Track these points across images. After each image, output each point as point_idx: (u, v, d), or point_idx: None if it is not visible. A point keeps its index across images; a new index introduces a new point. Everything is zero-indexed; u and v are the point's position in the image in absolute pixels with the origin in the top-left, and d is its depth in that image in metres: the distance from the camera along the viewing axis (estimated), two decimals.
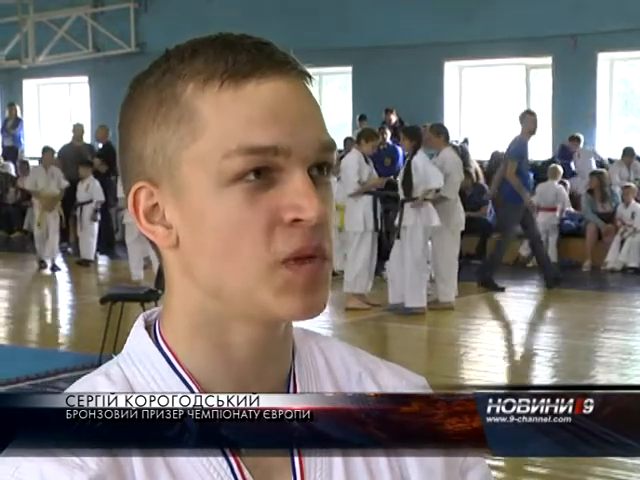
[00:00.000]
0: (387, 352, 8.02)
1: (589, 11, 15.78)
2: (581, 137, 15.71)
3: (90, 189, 14.54)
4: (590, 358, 8.81)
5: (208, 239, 1.02)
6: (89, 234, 14.55)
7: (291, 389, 1.12)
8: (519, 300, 11.17)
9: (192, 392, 1.06)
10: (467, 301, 11.67)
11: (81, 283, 13.35)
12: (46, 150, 14.83)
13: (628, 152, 15.24)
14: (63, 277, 14.05)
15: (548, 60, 16.79)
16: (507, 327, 10.24)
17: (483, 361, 8.76)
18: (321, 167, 1.05)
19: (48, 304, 11.90)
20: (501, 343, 9.58)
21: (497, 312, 10.83)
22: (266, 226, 1.01)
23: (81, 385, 1.08)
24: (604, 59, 16.47)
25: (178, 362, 1.08)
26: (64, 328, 10.79)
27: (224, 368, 1.07)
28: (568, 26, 15.94)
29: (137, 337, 1.12)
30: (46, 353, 9.05)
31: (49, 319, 11.16)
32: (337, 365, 1.18)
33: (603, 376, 8.17)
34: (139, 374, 1.08)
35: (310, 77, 1.07)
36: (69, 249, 15.76)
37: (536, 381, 8.14)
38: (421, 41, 17.12)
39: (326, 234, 1.03)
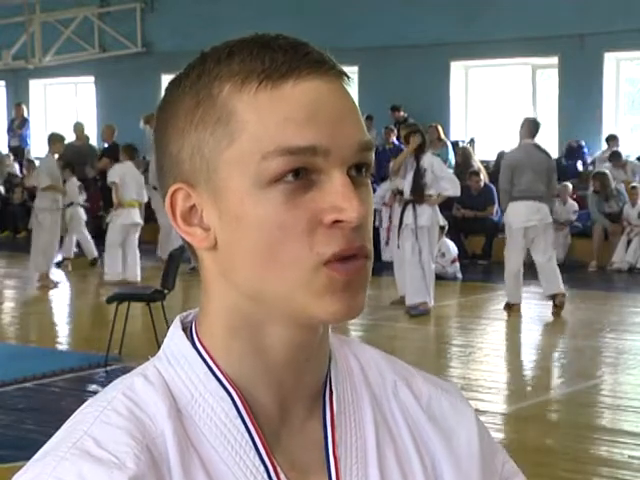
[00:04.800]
0: (393, 352, 7.98)
1: (596, 11, 15.76)
2: (617, 136, 15.68)
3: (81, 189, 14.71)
4: (596, 358, 8.80)
5: (248, 241, 1.02)
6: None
7: (327, 394, 1.12)
8: (525, 300, 11.14)
9: (229, 395, 1.07)
10: (473, 301, 11.67)
11: (87, 283, 13.36)
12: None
13: (616, 156, 15.24)
14: (69, 277, 14.06)
15: (554, 60, 16.77)
16: (513, 327, 10.23)
17: (489, 361, 8.75)
18: (360, 168, 1.04)
19: (54, 304, 11.91)
20: (507, 343, 9.58)
21: (502, 312, 10.82)
22: (307, 228, 1.01)
23: (118, 386, 1.09)
24: (610, 59, 16.45)
25: (216, 364, 1.08)
26: (70, 328, 10.80)
27: (262, 371, 1.07)
28: (575, 26, 15.92)
29: (174, 339, 1.11)
30: (52, 353, 9.06)
31: (55, 319, 11.18)
32: (372, 371, 1.19)
33: (610, 376, 8.16)
34: (176, 376, 1.08)
35: (348, 77, 1.07)
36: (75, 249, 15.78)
37: (542, 381, 8.13)
38: (427, 41, 17.12)
39: (366, 234, 1.03)
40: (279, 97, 1.02)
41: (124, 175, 12.92)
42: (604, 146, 15.94)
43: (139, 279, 12.82)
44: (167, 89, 1.09)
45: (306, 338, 1.07)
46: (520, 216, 10.35)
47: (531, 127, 10.63)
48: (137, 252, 13.02)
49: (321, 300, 1.02)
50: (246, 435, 1.06)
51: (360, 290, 1.04)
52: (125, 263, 12.98)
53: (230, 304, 1.07)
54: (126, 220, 12.92)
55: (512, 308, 10.69)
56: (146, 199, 13.41)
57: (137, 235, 13.14)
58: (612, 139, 15.66)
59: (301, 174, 1.01)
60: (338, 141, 1.02)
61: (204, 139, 1.04)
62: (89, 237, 14.65)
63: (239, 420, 1.06)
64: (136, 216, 13.04)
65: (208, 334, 1.09)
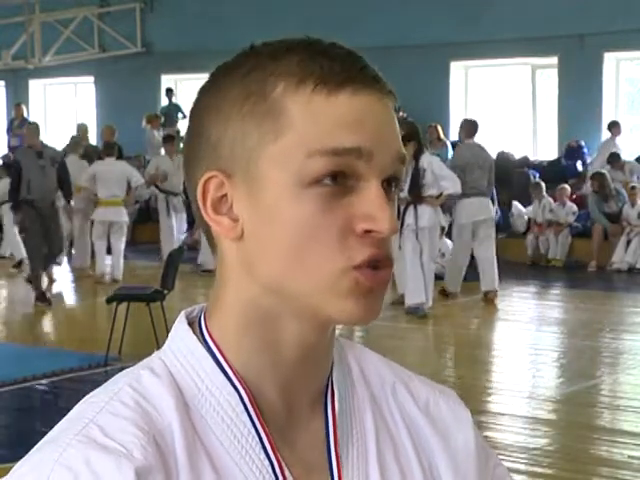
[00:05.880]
0: (393, 352, 8.01)
1: (596, 11, 15.76)
2: (619, 122, 15.69)
3: None
4: (596, 358, 8.80)
5: (279, 237, 1.03)
6: None
7: (329, 394, 1.13)
8: (524, 300, 11.16)
9: (236, 389, 1.07)
10: (472, 301, 11.66)
11: (87, 283, 13.36)
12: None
13: (615, 157, 15.23)
14: (68, 277, 14.06)
15: (554, 60, 16.77)
16: (512, 327, 10.23)
17: (489, 361, 8.75)
18: (390, 182, 1.07)
19: (54, 304, 11.89)
20: (507, 343, 9.58)
21: (502, 312, 10.82)
22: (339, 233, 1.02)
23: (123, 378, 1.09)
24: (610, 59, 16.45)
25: (224, 358, 1.08)
26: (70, 328, 10.80)
27: (271, 367, 1.08)
28: (574, 26, 15.92)
29: (180, 332, 1.12)
30: (52, 353, 9.06)
31: (55, 319, 11.18)
32: (371, 374, 1.20)
33: (609, 377, 8.16)
34: (183, 369, 1.09)
35: (395, 97, 1.11)
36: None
37: (542, 381, 8.14)
38: (427, 41, 17.12)
39: (391, 245, 1.06)
40: (333, 103, 1.03)
41: (96, 173, 12.97)
42: (605, 135, 15.86)
43: (120, 278, 12.90)
44: (214, 74, 1.09)
45: (317, 338, 1.08)
46: (471, 211, 11.17)
47: (471, 127, 11.49)
48: (120, 250, 13.07)
49: (341, 302, 1.03)
50: (252, 430, 1.07)
51: (380, 298, 1.06)
52: (112, 262, 13.12)
53: (248, 297, 1.07)
54: (100, 217, 13.01)
55: (449, 296, 11.44)
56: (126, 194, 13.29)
57: (120, 233, 13.13)
58: (614, 125, 15.61)
59: (339, 179, 1.03)
60: (381, 147, 1.04)
61: (249, 130, 1.05)
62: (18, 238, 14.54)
63: (246, 415, 1.07)
64: (112, 214, 12.99)
65: (219, 326, 1.10)
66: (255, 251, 1.05)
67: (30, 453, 1.03)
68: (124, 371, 1.10)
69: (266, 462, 1.07)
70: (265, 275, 1.05)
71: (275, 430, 1.08)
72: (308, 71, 1.04)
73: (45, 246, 11.48)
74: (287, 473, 1.08)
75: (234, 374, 1.08)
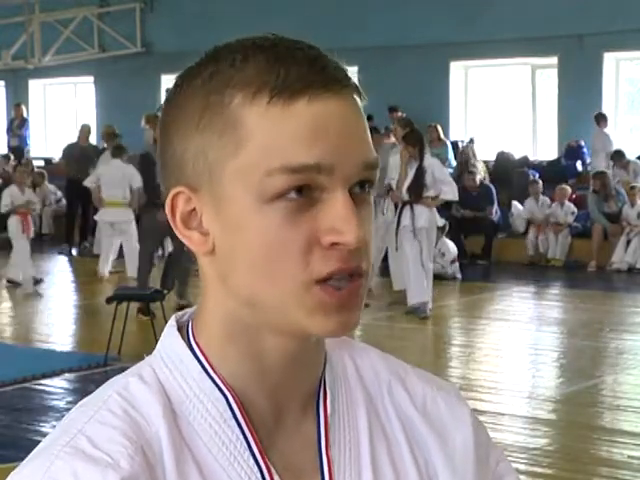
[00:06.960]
0: (393, 352, 7.99)
1: (595, 11, 15.75)
2: (606, 116, 15.63)
3: None
4: (596, 358, 8.80)
5: (245, 252, 1.02)
6: None
7: (321, 395, 1.12)
8: (524, 300, 11.14)
9: (224, 396, 1.07)
10: (472, 301, 11.66)
11: (86, 283, 13.35)
12: None
13: (619, 155, 15.19)
14: (68, 277, 14.06)
15: (554, 60, 16.77)
16: (512, 327, 10.23)
17: (489, 361, 8.75)
18: (363, 184, 1.04)
19: (53, 304, 11.90)
20: (507, 343, 9.58)
21: (502, 312, 10.81)
22: (304, 247, 1.00)
23: (113, 385, 1.09)
24: (610, 59, 16.45)
25: (210, 365, 1.08)
26: (69, 328, 10.80)
27: (257, 374, 1.07)
28: (574, 26, 15.92)
29: (170, 339, 1.11)
30: (52, 353, 9.06)
31: (54, 319, 11.17)
32: (367, 371, 1.18)
33: (609, 377, 8.16)
34: (171, 376, 1.08)
35: (360, 93, 1.06)
36: (71, 250, 15.76)
37: (542, 381, 8.14)
38: (427, 41, 17.11)
39: (364, 255, 1.03)
40: (289, 114, 1.00)
41: (101, 175, 13.00)
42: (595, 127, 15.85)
43: (134, 275, 12.87)
44: (176, 84, 1.07)
45: (300, 345, 1.07)
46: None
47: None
48: (130, 250, 13.01)
49: (313, 318, 1.02)
50: (240, 436, 1.06)
51: (354, 309, 1.03)
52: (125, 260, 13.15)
53: (227, 309, 1.07)
54: (102, 217, 13.06)
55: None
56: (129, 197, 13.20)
57: (124, 233, 13.08)
58: (601, 117, 15.55)
59: (304, 192, 1.00)
60: (343, 159, 1.01)
61: (209, 143, 1.03)
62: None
63: (233, 421, 1.06)
64: (112, 215, 12.97)
65: (204, 335, 1.09)
66: (226, 264, 1.04)
67: (22, 464, 1.03)
68: (115, 377, 1.10)
69: (255, 468, 1.06)
70: (237, 289, 1.04)
71: (264, 435, 1.08)
72: (264, 80, 1.01)
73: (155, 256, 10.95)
74: (276, 478, 1.07)
75: (221, 380, 1.07)
